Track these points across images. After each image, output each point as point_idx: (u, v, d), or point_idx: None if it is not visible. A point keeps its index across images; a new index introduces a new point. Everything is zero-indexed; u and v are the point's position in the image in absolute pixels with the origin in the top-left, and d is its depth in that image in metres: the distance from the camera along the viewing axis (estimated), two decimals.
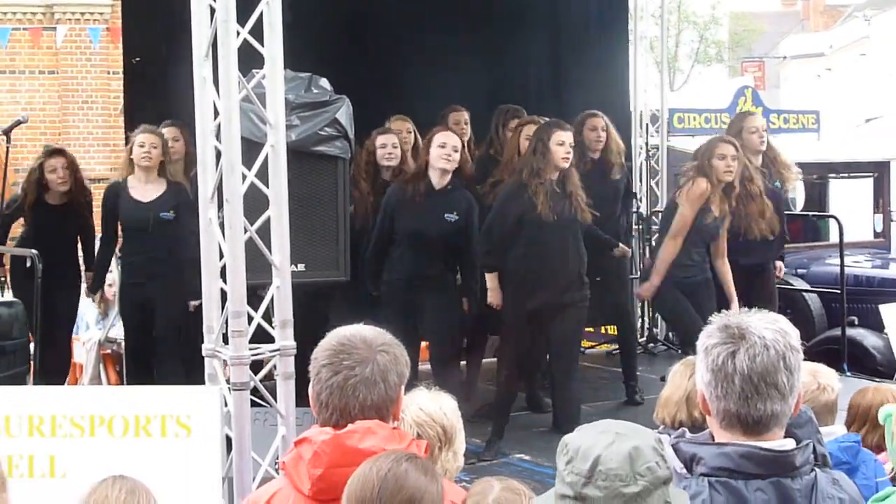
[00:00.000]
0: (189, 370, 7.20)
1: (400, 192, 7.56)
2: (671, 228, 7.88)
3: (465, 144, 8.76)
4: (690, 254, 7.87)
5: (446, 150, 7.42)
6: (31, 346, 8.22)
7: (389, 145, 8.14)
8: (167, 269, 7.99)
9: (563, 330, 7.58)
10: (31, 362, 8.32)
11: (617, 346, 9.69)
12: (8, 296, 8.81)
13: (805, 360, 2.72)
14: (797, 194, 11.72)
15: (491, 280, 7.51)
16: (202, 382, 5.32)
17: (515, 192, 7.39)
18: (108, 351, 9.91)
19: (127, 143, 8.28)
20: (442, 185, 7.51)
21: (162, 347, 8.16)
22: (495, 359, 8.44)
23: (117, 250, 8.56)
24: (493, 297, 7.51)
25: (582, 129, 8.79)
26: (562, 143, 7.32)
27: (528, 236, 7.36)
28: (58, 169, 8.64)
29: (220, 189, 5.10)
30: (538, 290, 7.40)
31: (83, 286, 8.98)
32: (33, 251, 7.97)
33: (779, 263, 8.61)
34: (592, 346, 10.78)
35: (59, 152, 8.99)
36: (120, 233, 8.32)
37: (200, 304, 5.36)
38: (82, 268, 8.96)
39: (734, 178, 7.77)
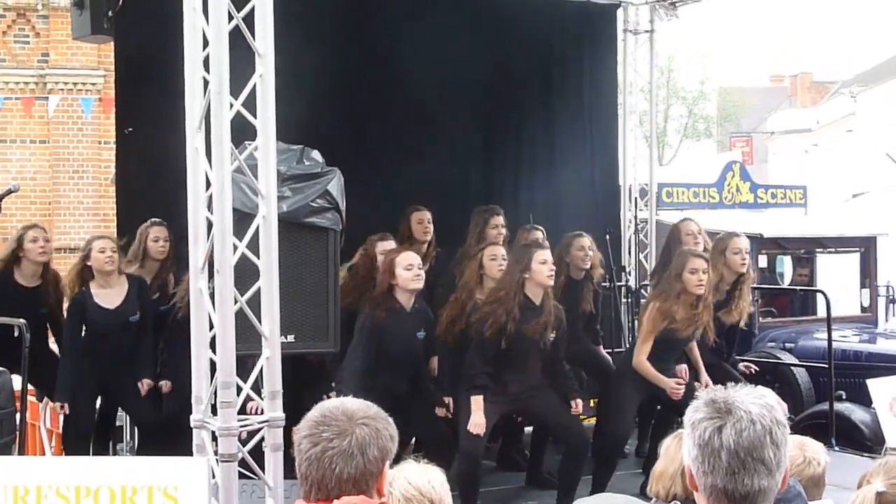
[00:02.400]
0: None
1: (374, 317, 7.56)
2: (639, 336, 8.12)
3: (429, 243, 8.89)
4: (668, 364, 8.07)
5: (414, 272, 7.49)
6: (18, 416, 8.19)
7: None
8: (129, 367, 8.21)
9: (547, 403, 7.71)
10: (17, 432, 8.28)
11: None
12: None
13: (793, 433, 2.73)
14: (784, 269, 11.77)
15: (477, 402, 7.44)
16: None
17: (495, 312, 7.47)
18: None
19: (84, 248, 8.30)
20: (411, 304, 7.60)
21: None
22: None
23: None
24: (476, 425, 7.39)
25: (569, 249, 8.97)
26: (544, 262, 7.52)
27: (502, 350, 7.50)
28: (39, 239, 8.57)
29: (210, 259, 5.12)
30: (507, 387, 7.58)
31: None
32: (21, 320, 7.96)
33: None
34: (582, 419, 10.74)
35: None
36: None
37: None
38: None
39: (706, 292, 7.92)
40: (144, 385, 8.10)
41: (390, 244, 8.24)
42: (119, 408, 8.72)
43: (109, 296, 8.15)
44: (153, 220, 8.60)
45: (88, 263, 8.11)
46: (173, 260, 8.52)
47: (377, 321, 7.46)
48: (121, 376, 8.20)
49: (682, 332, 7.94)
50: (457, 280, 8.34)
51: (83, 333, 8.20)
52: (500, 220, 9.06)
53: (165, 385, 8.16)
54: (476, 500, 7.62)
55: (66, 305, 8.36)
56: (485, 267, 8.11)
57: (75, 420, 8.32)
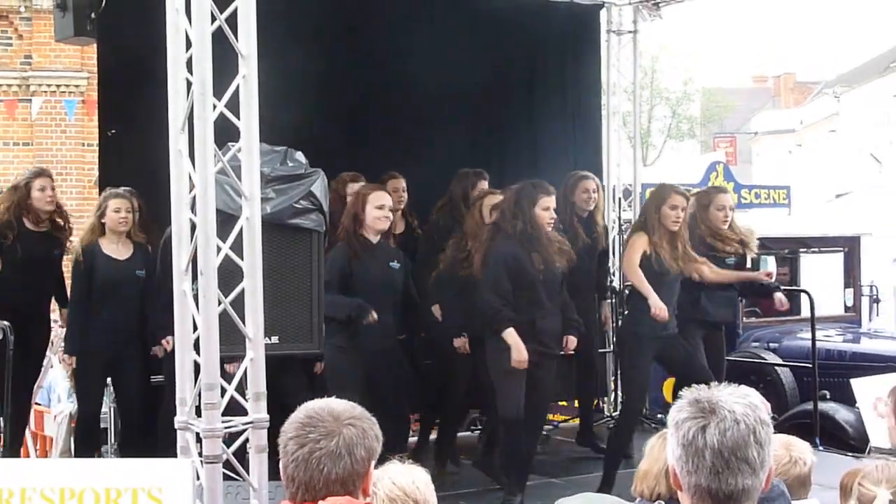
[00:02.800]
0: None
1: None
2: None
3: (403, 212, 8.90)
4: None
5: (384, 212, 7.57)
6: (1, 420, 8.17)
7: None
8: (136, 327, 8.17)
9: (548, 379, 7.72)
10: (1, 435, 8.26)
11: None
12: None
13: (777, 433, 2.73)
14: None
15: (511, 335, 7.42)
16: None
17: (506, 247, 7.50)
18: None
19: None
20: (377, 240, 7.68)
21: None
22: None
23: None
24: (520, 353, 7.37)
25: (574, 190, 9.14)
26: (546, 209, 7.54)
27: (523, 292, 7.49)
28: (46, 188, 8.53)
29: (194, 261, 5.11)
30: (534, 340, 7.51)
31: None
32: (5, 322, 7.93)
33: None
34: (566, 420, 10.76)
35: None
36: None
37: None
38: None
39: (680, 230, 7.89)
40: (168, 344, 7.58)
41: (361, 185, 8.29)
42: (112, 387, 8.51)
43: (118, 250, 8.20)
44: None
45: (102, 221, 8.15)
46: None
47: (349, 255, 7.49)
48: (127, 339, 8.15)
49: (671, 269, 7.84)
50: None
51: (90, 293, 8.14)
52: (486, 185, 9.09)
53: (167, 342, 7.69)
54: (526, 479, 7.63)
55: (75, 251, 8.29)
56: (484, 217, 8.15)
57: (85, 412, 8.33)
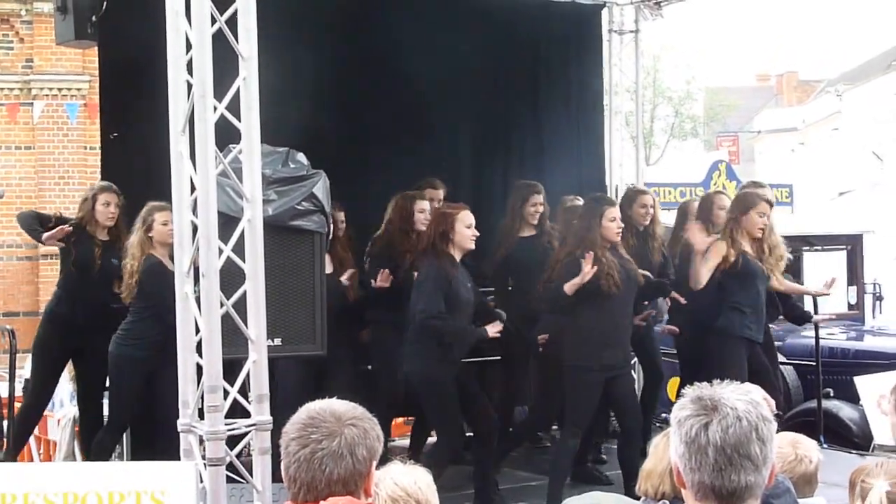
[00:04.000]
0: None
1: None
2: None
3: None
4: None
5: (472, 231, 7.65)
6: (5, 423, 8.17)
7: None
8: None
9: (626, 388, 7.98)
10: (5, 440, 8.26)
11: None
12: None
13: (781, 431, 2.73)
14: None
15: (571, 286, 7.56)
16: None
17: (573, 265, 7.61)
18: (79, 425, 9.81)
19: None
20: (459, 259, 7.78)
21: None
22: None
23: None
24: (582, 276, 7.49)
25: (632, 204, 9.21)
26: (613, 219, 7.73)
27: (592, 304, 7.63)
28: (110, 205, 8.38)
29: (196, 263, 5.11)
30: (607, 348, 7.70)
31: None
32: (7, 326, 7.94)
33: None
34: None
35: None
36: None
37: None
38: None
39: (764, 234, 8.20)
40: None
41: (425, 204, 8.46)
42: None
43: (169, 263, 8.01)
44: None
45: (150, 235, 7.90)
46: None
47: (445, 271, 7.55)
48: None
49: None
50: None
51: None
52: (540, 198, 9.19)
53: None
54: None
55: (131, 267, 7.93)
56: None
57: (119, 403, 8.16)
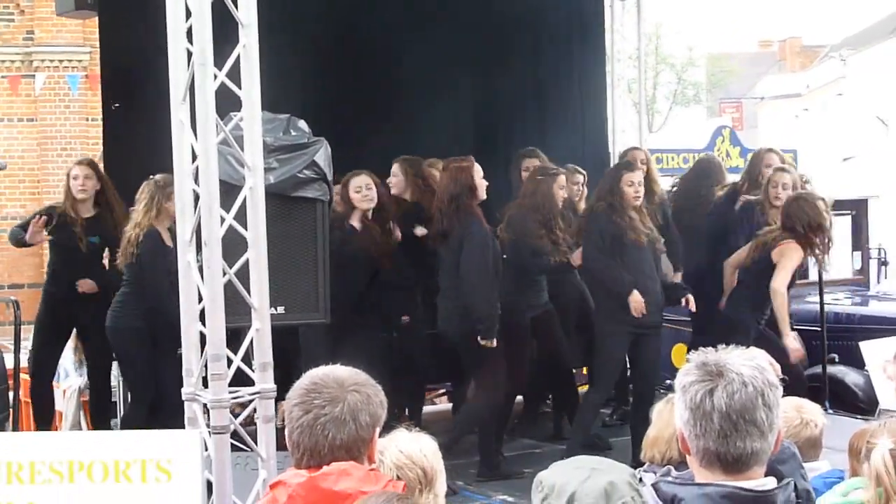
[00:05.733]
0: None
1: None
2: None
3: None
4: None
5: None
6: (11, 393, 8.18)
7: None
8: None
9: (651, 352, 8.08)
10: (11, 409, 8.27)
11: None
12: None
13: (787, 396, 2.71)
14: None
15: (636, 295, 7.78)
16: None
17: (603, 217, 7.90)
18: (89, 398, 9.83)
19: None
20: None
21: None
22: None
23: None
24: (640, 306, 7.77)
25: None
26: (631, 184, 7.94)
27: (626, 259, 7.87)
28: (79, 177, 8.31)
29: (198, 232, 5.09)
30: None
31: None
32: (12, 297, 7.94)
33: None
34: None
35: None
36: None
37: None
38: None
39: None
40: None
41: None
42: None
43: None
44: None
45: (168, 204, 7.65)
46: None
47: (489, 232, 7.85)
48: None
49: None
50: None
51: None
52: (535, 161, 9.19)
53: None
54: None
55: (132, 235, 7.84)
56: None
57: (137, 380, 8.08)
